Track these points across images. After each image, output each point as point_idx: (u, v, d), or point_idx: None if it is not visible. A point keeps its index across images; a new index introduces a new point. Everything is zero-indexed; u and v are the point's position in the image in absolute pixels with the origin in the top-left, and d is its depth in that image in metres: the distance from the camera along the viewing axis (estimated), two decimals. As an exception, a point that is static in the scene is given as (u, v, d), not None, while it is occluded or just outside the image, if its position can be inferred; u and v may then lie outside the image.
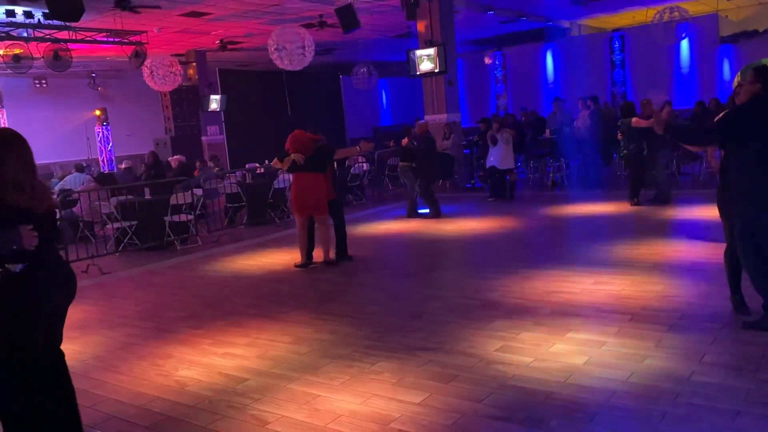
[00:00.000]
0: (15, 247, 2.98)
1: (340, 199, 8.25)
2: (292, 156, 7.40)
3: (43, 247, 3.16)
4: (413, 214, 10.89)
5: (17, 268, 3.05)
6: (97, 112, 18.90)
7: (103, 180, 11.89)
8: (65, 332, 3.49)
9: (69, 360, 3.53)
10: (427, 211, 10.77)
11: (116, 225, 9.76)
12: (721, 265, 6.18)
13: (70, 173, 12.35)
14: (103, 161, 18.80)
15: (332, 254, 7.80)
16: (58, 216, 3.32)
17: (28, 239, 3.01)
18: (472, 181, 14.40)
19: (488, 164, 12.13)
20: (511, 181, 12.02)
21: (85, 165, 13.23)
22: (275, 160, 7.78)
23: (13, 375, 3.11)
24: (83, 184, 11.36)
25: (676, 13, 13.16)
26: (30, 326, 3.14)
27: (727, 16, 18.26)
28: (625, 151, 10.21)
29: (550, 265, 6.72)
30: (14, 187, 3.08)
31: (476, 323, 5.06)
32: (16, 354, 3.10)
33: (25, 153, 3.20)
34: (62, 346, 3.49)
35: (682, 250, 7.01)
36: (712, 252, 6.67)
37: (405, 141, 10.88)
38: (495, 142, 11.72)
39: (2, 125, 16.76)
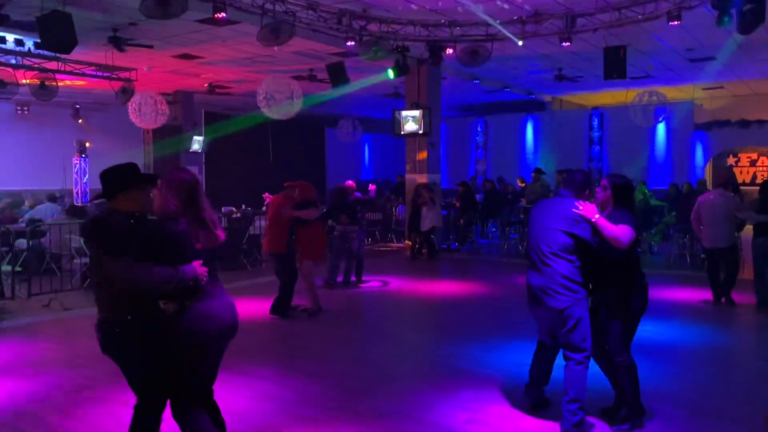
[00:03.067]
0: (191, 283, 3.13)
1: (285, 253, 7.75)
2: None
3: (210, 280, 3.29)
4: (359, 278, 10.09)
5: (191, 302, 3.21)
6: (87, 144, 18.64)
7: (75, 213, 11.65)
8: (21, 369, 3.37)
9: (20, 400, 3.37)
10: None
11: (84, 260, 9.55)
12: (689, 347, 6.20)
13: (42, 203, 12.11)
14: (77, 193, 18.43)
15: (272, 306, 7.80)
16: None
17: (202, 275, 3.17)
18: (448, 242, 14.46)
19: (425, 227, 12.67)
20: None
21: (58, 195, 12.99)
22: None
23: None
24: (54, 215, 11.13)
25: (655, 98, 13.64)
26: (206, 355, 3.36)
27: (702, 105, 19.02)
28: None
29: (521, 336, 6.68)
30: (203, 228, 3.25)
31: (444, 392, 4.98)
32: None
33: (199, 193, 3.36)
34: (12, 384, 3.36)
35: (650, 331, 7.04)
36: (682, 334, 6.73)
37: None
38: (435, 201, 12.80)
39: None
